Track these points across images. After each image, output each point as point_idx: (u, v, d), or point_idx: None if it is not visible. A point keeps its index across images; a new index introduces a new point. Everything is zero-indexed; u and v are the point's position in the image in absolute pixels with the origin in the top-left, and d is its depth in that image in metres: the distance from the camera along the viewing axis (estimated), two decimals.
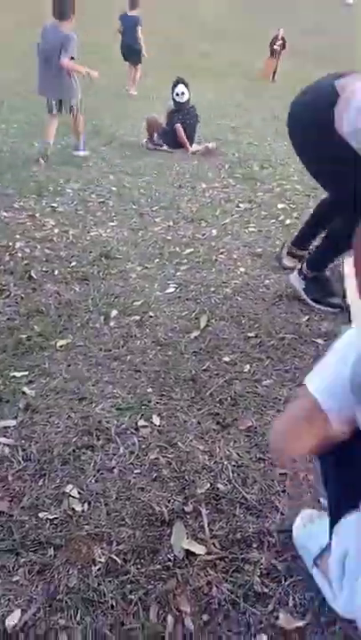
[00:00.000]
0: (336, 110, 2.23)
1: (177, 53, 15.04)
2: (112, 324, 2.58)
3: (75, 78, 5.00)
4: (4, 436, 1.84)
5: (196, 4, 23.59)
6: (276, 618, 1.35)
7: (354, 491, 1.05)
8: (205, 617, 1.35)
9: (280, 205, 4.34)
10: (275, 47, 15.10)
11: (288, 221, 4.02)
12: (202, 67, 13.35)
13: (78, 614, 1.35)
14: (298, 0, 26.80)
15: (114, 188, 4.52)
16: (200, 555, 1.49)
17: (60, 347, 2.39)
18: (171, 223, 3.87)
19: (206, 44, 18.20)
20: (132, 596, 1.39)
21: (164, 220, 3.91)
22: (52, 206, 3.98)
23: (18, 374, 2.17)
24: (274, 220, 4.03)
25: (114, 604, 1.37)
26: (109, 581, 1.42)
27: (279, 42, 14.86)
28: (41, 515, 1.57)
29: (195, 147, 6.13)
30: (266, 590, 1.41)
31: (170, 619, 1.35)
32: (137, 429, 1.89)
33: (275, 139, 7.44)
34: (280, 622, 1.34)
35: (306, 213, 3.34)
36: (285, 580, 1.41)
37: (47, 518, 1.56)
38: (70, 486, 1.66)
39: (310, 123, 2.43)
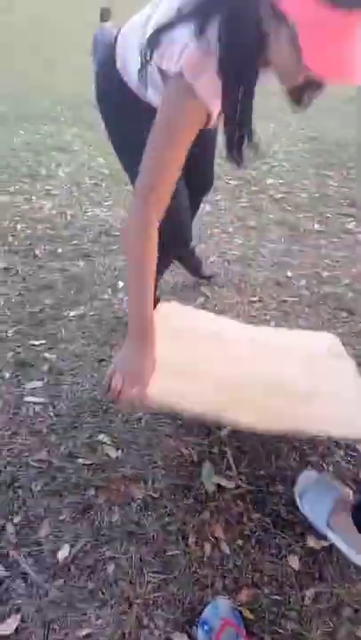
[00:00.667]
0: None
1: None
2: (120, 295, 2.68)
3: None
4: (33, 395, 1.94)
5: None
6: (305, 540, 1.48)
7: None
8: (240, 542, 1.48)
9: (269, 181, 4.46)
10: None
11: (278, 195, 4.14)
12: None
13: (123, 546, 1.46)
14: None
15: (105, 171, 4.59)
16: (229, 489, 1.62)
17: (73, 316, 2.48)
18: None
19: None
20: (171, 528, 1.51)
21: None
22: (47, 189, 4.04)
23: (37, 342, 2.27)
24: (264, 195, 4.15)
25: (155, 535, 1.49)
26: (149, 515, 1.54)
27: None
28: (79, 461, 1.68)
29: None
30: (292, 517, 1.54)
31: (207, 545, 1.47)
32: None
33: (258, 120, 7.54)
34: (309, 543, 1.47)
35: None
36: None
37: (84, 464, 1.67)
38: (102, 435, 1.77)
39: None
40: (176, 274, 2.80)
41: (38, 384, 2.00)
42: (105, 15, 9.22)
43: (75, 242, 3.24)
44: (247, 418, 1.43)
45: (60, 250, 3.12)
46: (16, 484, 1.60)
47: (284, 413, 1.49)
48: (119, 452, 1.72)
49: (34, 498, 1.57)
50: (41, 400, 1.92)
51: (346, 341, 2.06)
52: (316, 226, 3.59)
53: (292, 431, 1.47)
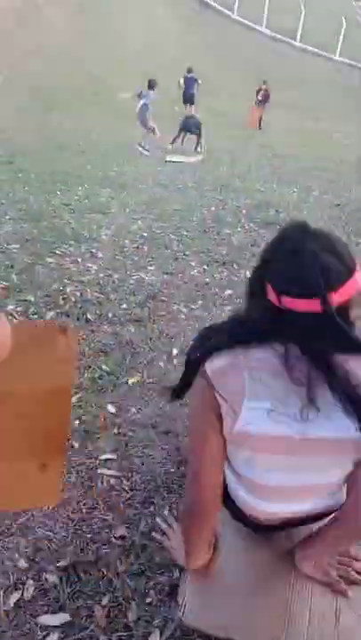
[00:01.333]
0: None
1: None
2: (175, 361, 2.71)
3: None
4: (107, 468, 1.94)
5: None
6: None
7: None
8: None
9: None
10: (259, 97, 16.41)
11: None
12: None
13: None
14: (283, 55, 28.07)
15: (145, 234, 4.72)
16: None
17: (132, 383, 2.51)
18: (205, 267, 4.05)
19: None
20: None
21: (198, 264, 4.09)
22: (92, 252, 4.15)
23: (101, 411, 2.28)
24: None
25: None
26: None
27: (262, 92, 16.26)
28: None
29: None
30: None
31: None
32: None
33: (278, 185, 7.81)
34: None
35: None
36: None
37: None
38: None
39: None
40: None
41: (111, 456, 2.00)
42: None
43: (124, 306, 3.30)
44: None
45: (110, 314, 3.18)
46: (100, 563, 1.58)
47: None
48: None
49: (119, 578, 1.55)
50: (113, 473, 1.92)
51: None
52: None
53: None
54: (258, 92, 16.81)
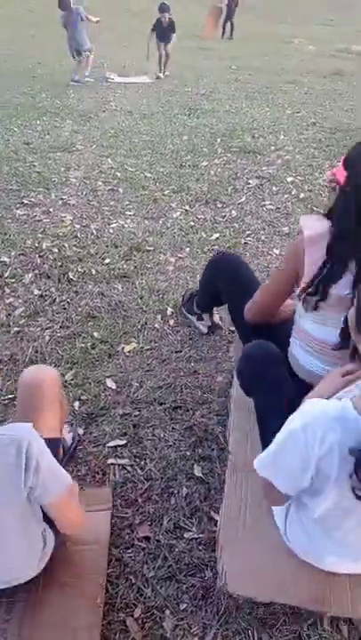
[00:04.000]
0: None
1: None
2: (171, 322, 2.54)
3: None
4: (118, 456, 1.80)
5: None
6: None
7: None
8: None
9: (289, 179, 4.32)
10: (222, 5, 15.09)
11: (302, 195, 4.00)
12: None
13: (255, 634, 1.36)
14: None
15: (118, 174, 4.37)
16: None
17: (129, 352, 2.34)
18: (187, 207, 3.79)
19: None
20: (302, 610, 1.40)
21: (179, 205, 3.82)
22: (63, 199, 3.83)
23: (102, 388, 2.12)
24: (288, 195, 4.01)
25: (286, 619, 1.39)
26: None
27: None
28: (186, 535, 1.56)
29: None
30: None
31: (343, 626, 1.38)
32: None
33: (247, 102, 7.37)
34: None
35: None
36: None
37: (193, 538, 1.56)
38: (204, 503, 1.65)
39: None
40: None
41: (119, 442, 1.86)
42: None
43: (107, 260, 3.07)
44: None
45: (93, 271, 2.95)
46: (127, 571, 1.47)
47: None
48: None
49: (149, 585, 1.44)
50: (126, 462, 1.79)
51: None
52: None
53: None
54: None
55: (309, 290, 1.43)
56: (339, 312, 1.35)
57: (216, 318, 2.48)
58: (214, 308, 2.44)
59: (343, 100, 7.86)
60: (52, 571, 1.36)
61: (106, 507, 1.58)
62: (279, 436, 1.12)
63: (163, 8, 9.18)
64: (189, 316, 2.53)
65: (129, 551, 1.52)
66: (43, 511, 1.23)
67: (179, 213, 3.68)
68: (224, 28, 15.62)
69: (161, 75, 9.22)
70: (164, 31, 9.30)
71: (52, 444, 1.28)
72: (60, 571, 1.38)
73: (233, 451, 1.58)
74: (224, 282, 2.04)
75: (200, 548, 1.53)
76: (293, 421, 1.09)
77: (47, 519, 1.26)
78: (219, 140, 5.43)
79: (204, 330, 2.46)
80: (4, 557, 1.22)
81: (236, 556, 1.41)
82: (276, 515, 1.43)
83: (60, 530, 1.30)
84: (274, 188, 4.15)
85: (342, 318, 1.24)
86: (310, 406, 1.09)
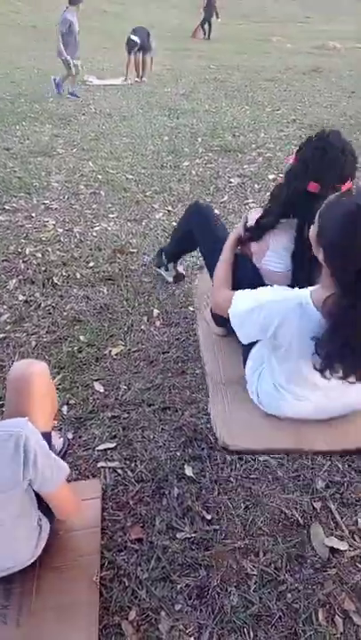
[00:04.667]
0: None
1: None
2: (157, 323, 2.54)
3: None
4: (108, 459, 1.80)
5: None
6: None
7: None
8: None
9: (271, 176, 4.33)
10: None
11: None
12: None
13: (251, 632, 1.36)
14: None
15: (99, 176, 4.36)
16: (344, 551, 1.53)
17: (116, 355, 2.33)
18: (170, 207, 3.79)
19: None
20: (297, 605, 1.41)
21: (162, 206, 3.82)
22: (45, 203, 3.81)
23: (90, 391, 2.11)
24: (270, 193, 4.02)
25: (281, 615, 1.39)
26: (269, 593, 1.44)
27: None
28: (179, 535, 1.56)
29: None
30: None
31: (339, 620, 1.39)
32: None
33: (226, 101, 7.39)
34: None
35: None
36: None
37: (186, 538, 1.56)
38: (196, 502, 1.65)
39: None
40: None
41: (109, 445, 1.85)
42: None
43: (91, 264, 3.05)
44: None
45: (78, 275, 2.94)
46: (120, 574, 1.47)
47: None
48: (218, 519, 1.60)
49: (143, 587, 1.44)
50: (116, 465, 1.78)
51: None
52: None
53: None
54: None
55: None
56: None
57: (180, 268, 2.84)
58: (178, 261, 2.82)
59: (322, 97, 7.92)
60: (48, 556, 1.40)
61: (95, 496, 1.62)
62: (248, 304, 1.46)
63: (136, 32, 8.79)
64: (157, 269, 2.90)
65: (122, 554, 1.52)
66: (37, 499, 1.28)
67: (161, 214, 3.68)
68: (203, 29, 15.73)
69: (139, 79, 9.15)
70: (141, 44, 8.87)
71: (46, 437, 1.29)
72: (56, 555, 1.42)
73: (209, 371, 1.79)
74: (198, 227, 2.32)
75: (193, 547, 1.53)
76: (262, 299, 1.43)
77: (41, 507, 1.31)
78: (199, 139, 5.44)
79: (170, 279, 2.82)
80: (6, 546, 1.25)
81: (227, 423, 1.58)
82: (251, 388, 1.63)
83: (57, 516, 1.36)
84: (256, 186, 4.16)
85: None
86: (279, 291, 1.45)
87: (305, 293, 1.38)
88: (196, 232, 2.33)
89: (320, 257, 1.34)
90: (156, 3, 19.89)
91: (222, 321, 1.85)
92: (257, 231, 1.78)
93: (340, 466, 1.77)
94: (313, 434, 1.56)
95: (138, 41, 8.62)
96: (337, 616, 1.40)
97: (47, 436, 1.36)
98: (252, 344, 1.62)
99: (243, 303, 1.50)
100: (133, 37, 8.63)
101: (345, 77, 9.81)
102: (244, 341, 1.55)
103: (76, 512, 1.41)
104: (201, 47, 13.61)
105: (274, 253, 1.77)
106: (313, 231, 1.34)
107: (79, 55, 7.81)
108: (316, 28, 19.42)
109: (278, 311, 1.39)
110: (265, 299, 1.44)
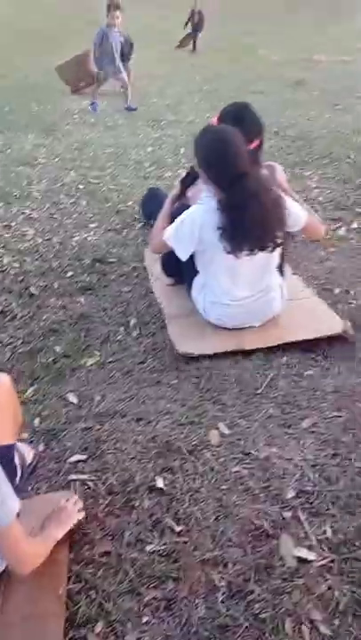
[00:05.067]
0: None
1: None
2: (134, 334, 2.54)
3: None
4: (79, 472, 1.79)
5: None
6: None
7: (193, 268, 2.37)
8: (337, 621, 1.40)
9: None
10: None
11: None
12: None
13: None
14: None
15: (81, 186, 4.37)
16: (312, 560, 1.53)
17: (91, 365, 2.33)
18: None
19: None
20: (264, 615, 1.41)
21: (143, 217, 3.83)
22: (25, 213, 3.81)
23: (63, 403, 2.11)
24: None
25: (248, 625, 1.39)
26: (237, 604, 1.43)
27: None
28: (148, 548, 1.55)
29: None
30: None
31: (305, 630, 1.39)
32: (208, 444, 1.89)
33: (212, 113, 7.43)
34: None
35: None
36: None
37: (154, 550, 1.55)
38: (166, 514, 1.64)
39: None
40: None
41: (80, 457, 1.84)
42: None
43: (70, 274, 3.06)
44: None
45: (55, 285, 2.94)
46: (87, 587, 1.46)
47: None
48: (187, 531, 1.60)
49: (110, 600, 1.43)
50: (87, 477, 1.77)
51: None
52: None
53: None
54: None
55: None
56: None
57: None
58: None
59: (305, 109, 7.98)
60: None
61: None
62: (177, 221, 2.23)
63: None
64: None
65: (89, 567, 1.51)
66: None
67: (142, 224, 3.69)
68: (193, 42, 15.84)
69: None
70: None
71: (8, 449, 1.27)
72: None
73: (166, 309, 2.55)
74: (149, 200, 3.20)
75: (162, 560, 1.53)
76: (187, 213, 2.22)
77: None
78: (183, 150, 5.47)
79: None
80: None
81: (183, 337, 2.31)
82: (199, 307, 2.40)
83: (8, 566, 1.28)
84: None
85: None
86: (195, 207, 2.24)
87: (210, 201, 2.15)
88: (149, 207, 3.16)
89: (202, 178, 2.19)
90: (145, 9, 20.03)
91: (170, 273, 2.66)
92: (188, 178, 2.49)
93: (310, 475, 1.77)
94: (249, 336, 2.32)
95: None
96: (303, 626, 1.39)
97: (7, 450, 1.35)
98: (191, 278, 2.41)
99: (171, 227, 2.24)
100: None
101: (329, 90, 9.92)
102: (184, 257, 2.26)
103: (27, 565, 1.27)
104: (188, 58, 13.71)
105: (205, 194, 2.26)
106: (195, 161, 2.13)
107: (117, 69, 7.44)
108: (302, 40, 19.65)
109: (196, 216, 2.18)
110: (185, 215, 2.21)
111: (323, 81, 10.96)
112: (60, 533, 1.42)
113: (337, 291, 2.83)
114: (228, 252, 2.10)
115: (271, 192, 2.17)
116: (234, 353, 2.31)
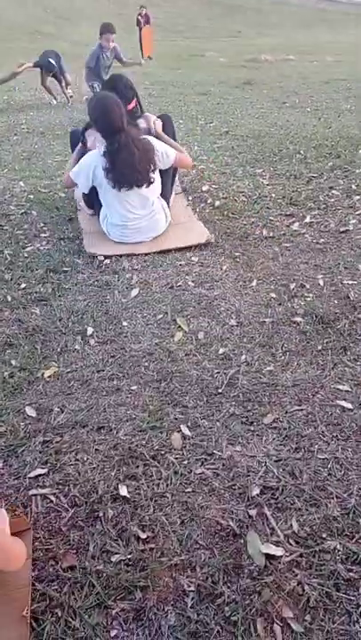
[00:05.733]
0: None
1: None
2: (92, 342, 2.50)
3: None
4: (40, 486, 1.74)
5: None
6: None
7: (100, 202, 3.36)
8: (308, 617, 1.39)
9: (205, 187, 4.37)
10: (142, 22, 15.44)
11: (217, 203, 4.06)
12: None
13: None
14: None
15: (31, 196, 4.30)
16: (280, 556, 1.52)
17: (49, 377, 2.28)
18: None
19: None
20: (235, 617, 1.39)
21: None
22: None
23: (21, 417, 2.05)
24: (204, 204, 4.05)
25: (219, 629, 1.37)
26: (207, 608, 1.41)
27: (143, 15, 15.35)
28: (114, 559, 1.52)
29: None
30: (352, 575, 1.47)
31: (277, 628, 1.37)
32: (170, 447, 1.87)
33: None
34: None
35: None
36: None
37: (121, 560, 1.51)
38: (131, 522, 1.61)
39: None
40: None
41: (41, 471, 1.79)
42: None
43: (23, 285, 2.99)
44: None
45: (9, 297, 2.87)
46: (52, 604, 1.42)
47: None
48: (155, 538, 1.57)
49: (77, 617, 1.39)
50: (49, 491, 1.72)
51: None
52: (265, 232, 3.55)
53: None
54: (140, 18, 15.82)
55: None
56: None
57: None
58: None
59: (254, 108, 8.09)
60: None
61: (25, 527, 1.56)
62: (80, 162, 3.22)
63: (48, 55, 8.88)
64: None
65: (54, 584, 1.46)
66: None
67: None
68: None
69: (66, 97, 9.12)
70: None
71: None
72: None
73: (84, 229, 3.62)
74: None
75: (128, 569, 1.49)
76: (86, 156, 3.20)
77: None
78: None
79: None
80: None
81: (93, 245, 3.35)
82: (105, 230, 3.38)
83: None
84: (190, 198, 4.18)
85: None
86: (92, 152, 3.20)
87: (102, 148, 3.09)
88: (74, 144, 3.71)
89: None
90: (87, 22, 19.96)
91: (90, 205, 3.55)
92: (83, 132, 3.43)
93: (275, 470, 1.76)
94: (139, 247, 3.30)
95: (55, 64, 8.71)
96: (275, 624, 1.38)
97: None
98: (99, 209, 3.38)
99: (75, 166, 3.23)
100: (52, 61, 8.68)
101: (276, 88, 10.07)
102: (84, 190, 3.30)
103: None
104: (139, 68, 13.69)
105: (99, 143, 3.21)
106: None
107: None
108: (247, 42, 19.91)
109: (91, 159, 3.14)
110: (84, 158, 3.20)
111: (270, 80, 11.13)
112: None
113: (292, 286, 2.85)
114: (113, 187, 3.10)
115: (141, 141, 3.07)
116: (195, 354, 2.29)
